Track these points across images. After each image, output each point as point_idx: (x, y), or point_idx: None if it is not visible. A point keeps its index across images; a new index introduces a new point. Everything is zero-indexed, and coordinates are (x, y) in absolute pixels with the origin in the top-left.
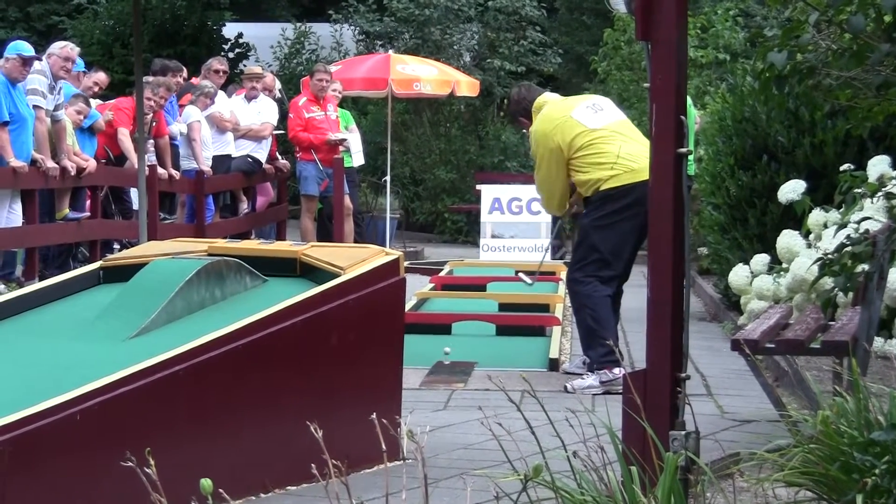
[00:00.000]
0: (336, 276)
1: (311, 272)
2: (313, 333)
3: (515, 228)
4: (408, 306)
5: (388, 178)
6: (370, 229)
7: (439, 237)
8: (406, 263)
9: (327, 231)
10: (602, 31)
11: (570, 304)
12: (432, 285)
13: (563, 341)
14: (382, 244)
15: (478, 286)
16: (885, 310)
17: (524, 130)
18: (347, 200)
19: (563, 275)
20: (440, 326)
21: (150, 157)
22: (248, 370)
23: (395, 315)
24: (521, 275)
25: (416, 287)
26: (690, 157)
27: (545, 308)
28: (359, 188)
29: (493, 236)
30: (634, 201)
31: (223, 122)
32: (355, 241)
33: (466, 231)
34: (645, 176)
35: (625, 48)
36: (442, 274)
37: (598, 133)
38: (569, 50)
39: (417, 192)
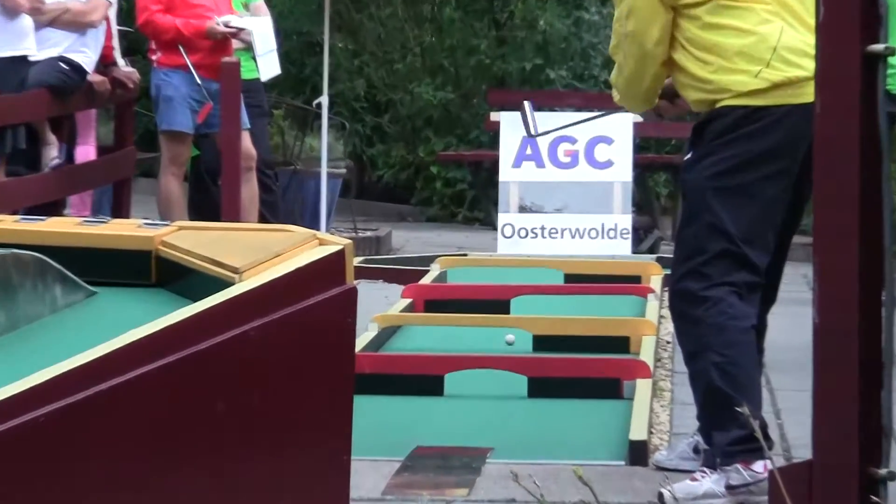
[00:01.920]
0: (224, 284)
1: (178, 277)
2: (178, 397)
3: (565, 193)
4: (362, 342)
5: (324, 99)
6: (291, 196)
7: (420, 210)
8: (358, 260)
9: (209, 199)
10: None
11: (670, 340)
12: (407, 302)
13: (657, 407)
14: (314, 223)
15: (493, 304)
16: None
17: None
18: (247, 142)
19: (656, 282)
20: (424, 381)
21: None
22: (54, 458)
23: (334, 360)
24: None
25: (377, 305)
26: (893, 61)
27: (621, 345)
28: (270, 120)
29: (523, 209)
30: (790, 142)
31: None
32: (262, 219)
33: (472, 199)
34: (812, 95)
35: None
36: (425, 280)
37: None
38: None
39: (380, 126)
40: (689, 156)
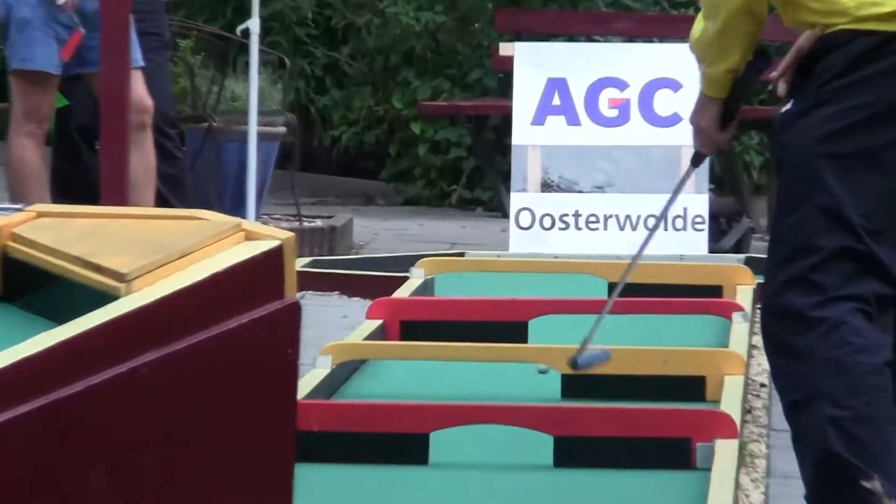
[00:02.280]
0: (104, 298)
1: (35, 288)
2: (34, 465)
3: (610, 164)
4: (309, 383)
5: (253, 24)
6: (204, 166)
7: (395, 188)
8: (304, 262)
9: (82, 171)
10: None
11: (766, 382)
12: (376, 324)
13: (746, 481)
14: (238, 208)
15: (502, 328)
16: None
17: None
18: (139, 87)
19: (745, 296)
20: (399, 441)
21: None
22: None
23: (267, 411)
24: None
25: (331, 328)
26: None
27: (692, 389)
28: (174, 54)
29: (547, 186)
30: None
31: None
32: (160, 201)
33: (471, 172)
34: None
35: None
36: (401, 293)
37: None
38: None
39: (336, 64)
40: (788, 106)
